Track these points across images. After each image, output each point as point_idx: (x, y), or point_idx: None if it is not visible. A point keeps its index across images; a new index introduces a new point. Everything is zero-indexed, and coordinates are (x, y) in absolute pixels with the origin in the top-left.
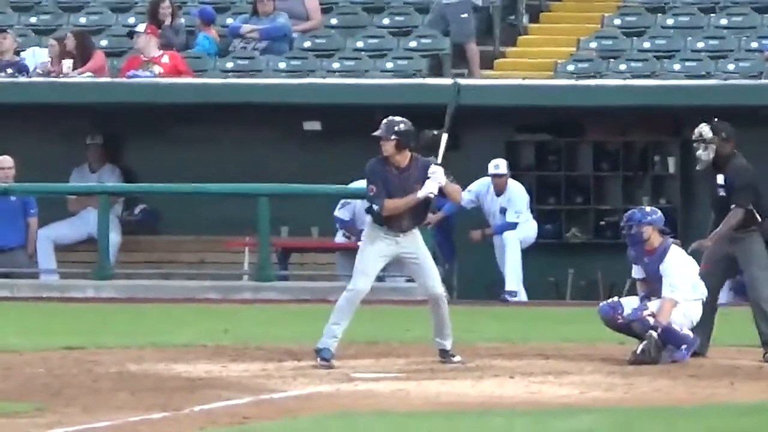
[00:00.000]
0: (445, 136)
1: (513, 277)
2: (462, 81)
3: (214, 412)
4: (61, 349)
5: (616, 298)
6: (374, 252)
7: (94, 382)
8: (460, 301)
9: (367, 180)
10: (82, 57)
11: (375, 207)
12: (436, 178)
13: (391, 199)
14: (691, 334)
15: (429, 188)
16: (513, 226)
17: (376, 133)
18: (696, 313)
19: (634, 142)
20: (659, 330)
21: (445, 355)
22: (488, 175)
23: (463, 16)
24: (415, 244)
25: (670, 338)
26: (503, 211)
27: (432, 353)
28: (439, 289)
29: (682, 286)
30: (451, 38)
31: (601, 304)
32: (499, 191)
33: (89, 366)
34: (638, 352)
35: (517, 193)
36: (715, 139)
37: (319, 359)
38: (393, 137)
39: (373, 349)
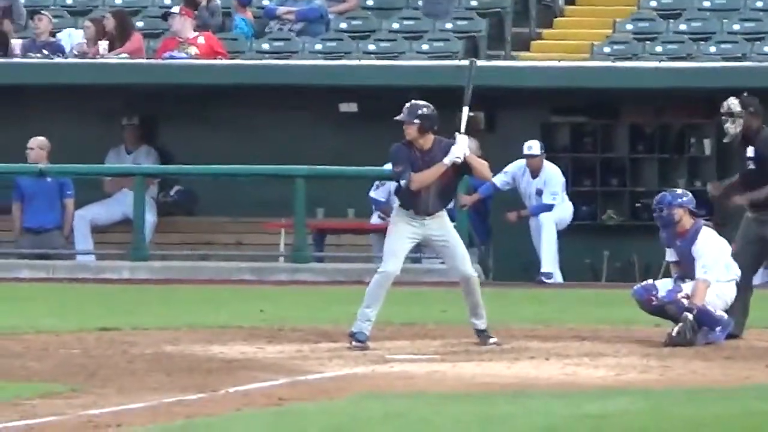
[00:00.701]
0: (465, 110)
1: (549, 259)
2: (498, 63)
3: (249, 393)
4: (97, 330)
5: (650, 281)
6: (402, 234)
7: (130, 363)
8: (496, 283)
9: (392, 162)
10: (120, 37)
11: (402, 182)
12: (461, 144)
13: (417, 173)
14: (725, 315)
15: (454, 153)
16: (549, 207)
17: (398, 118)
18: (730, 293)
19: (670, 124)
20: (694, 312)
21: (481, 334)
22: (522, 157)
23: None
24: (442, 227)
25: (704, 320)
26: (539, 192)
27: (467, 335)
28: (470, 270)
29: (714, 267)
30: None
31: (635, 286)
32: (534, 173)
33: (125, 347)
34: (674, 334)
35: (552, 174)
36: (743, 113)
37: (353, 342)
38: (416, 121)
39: (409, 331)
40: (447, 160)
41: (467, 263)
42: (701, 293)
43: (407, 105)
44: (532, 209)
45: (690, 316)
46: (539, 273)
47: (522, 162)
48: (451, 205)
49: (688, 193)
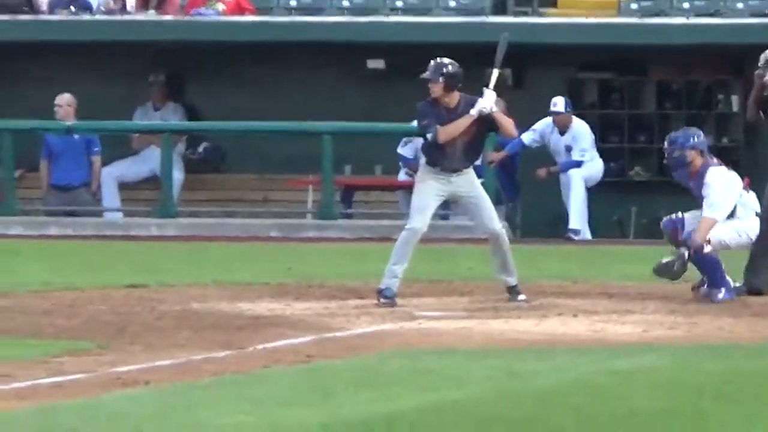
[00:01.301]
0: (495, 71)
1: (577, 216)
2: (525, 19)
3: (277, 350)
4: (125, 287)
5: (680, 214)
6: (429, 191)
7: (158, 320)
8: (524, 240)
9: (418, 118)
10: None
11: (429, 136)
12: (488, 97)
13: (443, 126)
14: (730, 281)
15: (482, 104)
16: (578, 164)
17: (423, 75)
18: (752, 228)
19: (698, 80)
20: (691, 251)
21: (511, 291)
22: (549, 114)
23: None
24: (469, 183)
25: (707, 270)
26: (568, 149)
27: (495, 291)
28: (497, 225)
29: (722, 204)
30: None
31: (664, 218)
32: (562, 129)
33: (152, 304)
34: (662, 261)
35: (581, 131)
36: None
37: (381, 299)
38: (441, 79)
39: (437, 288)
40: (474, 111)
41: (495, 220)
42: (703, 231)
43: (432, 63)
44: (562, 165)
45: (685, 253)
46: (567, 229)
47: (550, 119)
48: (478, 162)
49: (701, 133)
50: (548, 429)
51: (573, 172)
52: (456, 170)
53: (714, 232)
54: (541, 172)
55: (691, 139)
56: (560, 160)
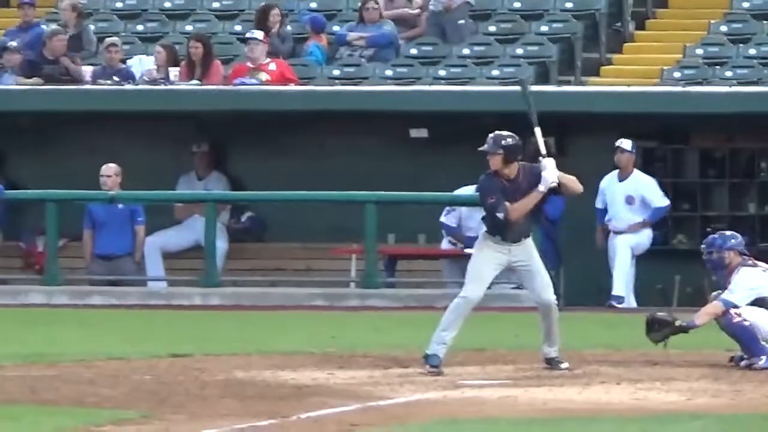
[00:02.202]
0: (538, 131)
1: (621, 283)
2: (568, 88)
3: (321, 419)
4: (169, 357)
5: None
6: (488, 260)
7: (201, 389)
8: (567, 308)
9: (483, 194)
10: (203, 64)
11: (499, 215)
12: (551, 168)
13: (514, 203)
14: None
15: (549, 179)
16: (664, 210)
17: (482, 148)
18: None
19: (741, 148)
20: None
21: (551, 362)
22: (615, 148)
23: (460, 22)
24: (527, 253)
25: (745, 340)
26: (629, 200)
27: (539, 360)
28: (551, 296)
29: (739, 291)
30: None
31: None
32: (623, 173)
33: (196, 373)
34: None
35: (646, 180)
36: None
37: (427, 366)
38: (500, 151)
39: (481, 356)
40: (542, 188)
41: (549, 290)
42: (709, 308)
43: (491, 135)
44: (651, 216)
45: (678, 322)
46: (611, 296)
47: (607, 177)
48: None
49: (737, 235)
50: None
51: (620, 239)
52: (516, 241)
53: (755, 319)
54: (600, 238)
55: (729, 241)
56: (617, 213)
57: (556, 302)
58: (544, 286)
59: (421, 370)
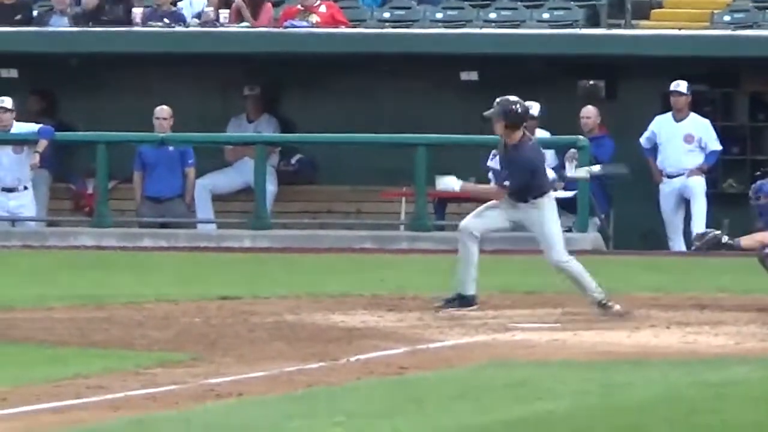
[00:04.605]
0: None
1: (701, 222)
2: (618, 31)
3: (370, 362)
4: (218, 299)
5: None
6: (498, 207)
7: (251, 332)
8: (616, 251)
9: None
10: (253, 6)
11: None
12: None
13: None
14: None
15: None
16: (718, 154)
17: (486, 114)
18: None
19: None
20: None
21: (599, 305)
22: (669, 92)
23: None
24: (529, 216)
25: None
26: (688, 138)
27: (588, 303)
28: (555, 257)
29: None
30: None
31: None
32: (680, 115)
33: (245, 316)
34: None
35: (702, 121)
36: None
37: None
38: (502, 118)
39: (530, 299)
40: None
41: (551, 252)
42: (758, 235)
43: (497, 100)
44: (707, 160)
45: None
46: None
47: (659, 117)
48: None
49: None
50: None
51: (696, 182)
52: (520, 200)
53: None
54: (657, 174)
55: None
56: (676, 153)
57: (565, 261)
58: (547, 249)
59: (471, 313)
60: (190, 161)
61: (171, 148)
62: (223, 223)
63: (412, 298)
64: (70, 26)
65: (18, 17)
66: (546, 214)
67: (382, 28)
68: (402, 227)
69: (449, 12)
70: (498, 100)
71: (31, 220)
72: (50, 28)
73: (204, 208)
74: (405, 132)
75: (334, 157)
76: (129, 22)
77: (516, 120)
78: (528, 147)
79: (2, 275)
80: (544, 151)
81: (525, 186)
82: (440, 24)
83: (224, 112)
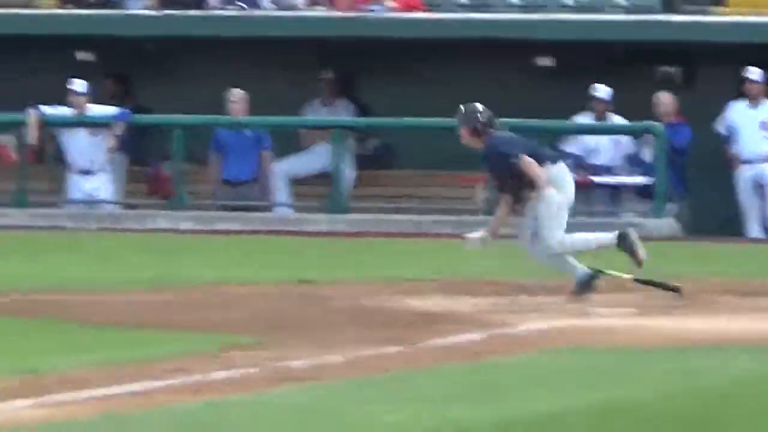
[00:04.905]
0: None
1: None
2: (695, 17)
3: (447, 346)
4: (295, 283)
5: None
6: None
7: (327, 315)
8: (693, 237)
9: None
10: None
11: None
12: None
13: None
14: None
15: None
16: None
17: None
18: None
19: None
20: None
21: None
22: (742, 79)
23: None
24: (533, 211)
25: None
26: (765, 126)
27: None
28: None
29: None
30: None
31: None
32: (754, 102)
33: (322, 300)
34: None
35: None
36: None
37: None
38: (465, 126)
39: (608, 285)
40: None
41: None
42: None
43: (462, 108)
44: None
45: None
46: None
47: (734, 104)
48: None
49: None
50: (721, 428)
51: None
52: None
53: None
54: (735, 160)
55: None
56: (754, 140)
57: (543, 255)
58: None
59: (549, 299)
60: (266, 145)
61: (248, 132)
62: (299, 207)
63: (488, 283)
64: (147, 9)
65: (94, 0)
66: (537, 211)
67: (457, 12)
68: (479, 212)
69: None
70: (461, 107)
71: (107, 202)
72: (126, 11)
73: (280, 192)
74: None
75: (411, 141)
76: (204, 5)
77: (480, 127)
78: (493, 142)
79: (79, 258)
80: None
81: (512, 179)
82: (516, 9)
83: (301, 96)
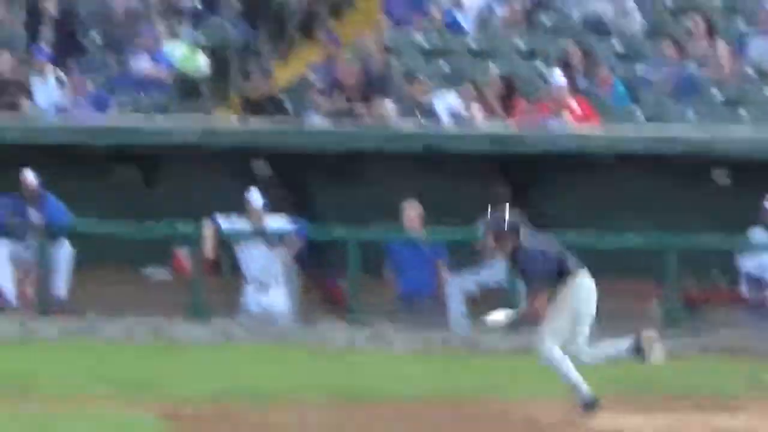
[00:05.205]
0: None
1: None
2: None
3: None
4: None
5: None
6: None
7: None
8: None
9: None
10: (504, 102)
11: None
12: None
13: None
14: None
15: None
16: None
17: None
18: None
19: None
20: None
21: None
22: None
23: None
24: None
25: None
26: None
27: None
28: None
29: None
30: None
31: None
32: None
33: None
34: None
35: None
36: None
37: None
38: (491, 232)
39: None
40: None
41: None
42: None
43: (490, 214)
44: None
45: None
46: None
47: None
48: None
49: None
50: None
51: None
52: None
53: None
54: None
55: None
56: None
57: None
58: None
59: None
60: (442, 258)
61: (423, 244)
62: (475, 322)
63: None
64: (323, 120)
65: (270, 113)
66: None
67: (634, 130)
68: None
69: (701, 109)
70: (491, 213)
71: (282, 316)
72: (304, 126)
73: (456, 307)
74: (651, 230)
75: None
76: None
77: (504, 235)
78: (525, 247)
79: (258, 368)
80: None
81: (543, 277)
82: (692, 122)
83: (477, 207)
